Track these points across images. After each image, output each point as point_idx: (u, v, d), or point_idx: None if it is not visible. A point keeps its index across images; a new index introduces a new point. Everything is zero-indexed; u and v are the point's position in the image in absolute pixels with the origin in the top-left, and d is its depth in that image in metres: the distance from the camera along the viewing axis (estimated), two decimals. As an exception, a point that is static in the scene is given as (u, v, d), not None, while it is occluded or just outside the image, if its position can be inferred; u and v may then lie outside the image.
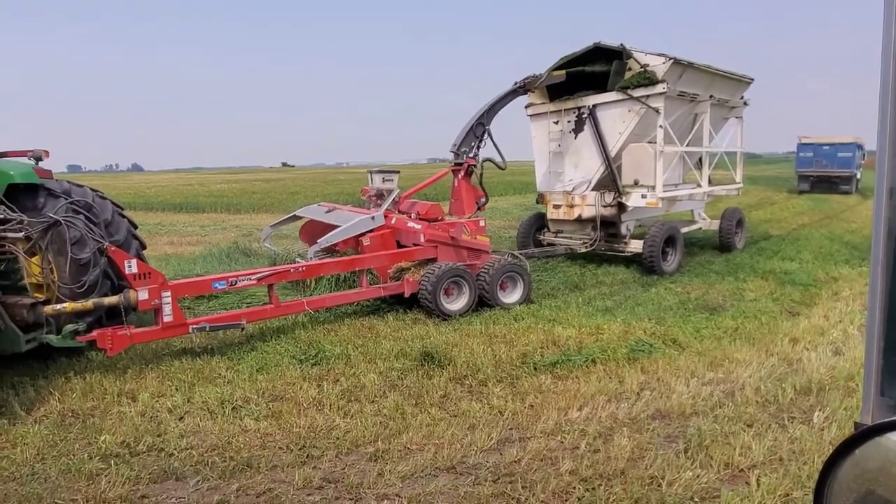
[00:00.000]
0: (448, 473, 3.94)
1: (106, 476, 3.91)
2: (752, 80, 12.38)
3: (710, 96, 11.11)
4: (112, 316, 6.00)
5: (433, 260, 8.08)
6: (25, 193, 5.90)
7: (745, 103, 12.57)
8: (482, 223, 8.67)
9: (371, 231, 8.24)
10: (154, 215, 25.02)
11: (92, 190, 6.63)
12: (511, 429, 4.56)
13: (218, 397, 5.10)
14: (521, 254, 9.69)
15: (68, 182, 6.51)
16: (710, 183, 12.27)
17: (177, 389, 5.34)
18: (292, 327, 7.17)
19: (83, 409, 4.99)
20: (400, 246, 8.32)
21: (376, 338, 6.79)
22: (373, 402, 5.08)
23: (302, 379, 5.54)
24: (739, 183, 12.98)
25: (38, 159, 6.19)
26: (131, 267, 5.80)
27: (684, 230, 11.71)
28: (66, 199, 5.96)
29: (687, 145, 11.02)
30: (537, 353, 6.18)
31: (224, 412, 4.87)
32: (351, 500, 3.68)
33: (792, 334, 6.63)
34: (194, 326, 6.17)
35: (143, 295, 5.82)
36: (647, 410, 4.79)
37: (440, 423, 4.65)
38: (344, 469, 4.02)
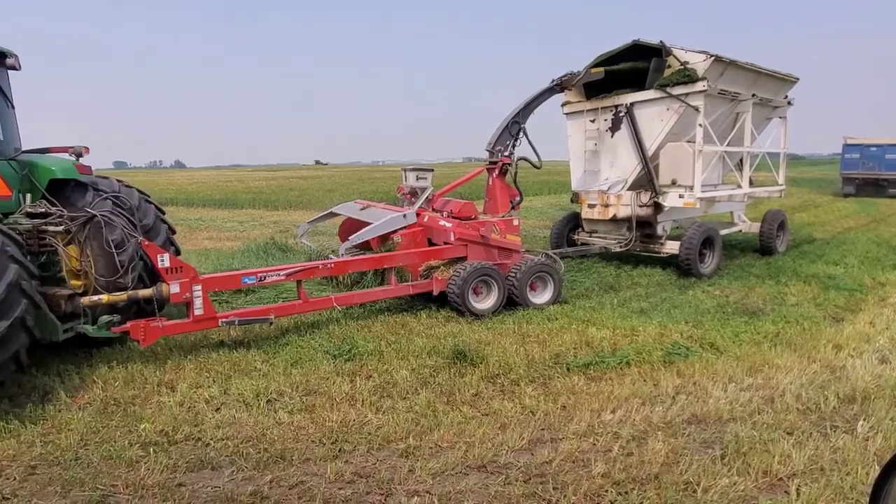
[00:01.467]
0: (479, 472, 3.94)
1: (145, 463, 4.02)
2: (798, 79, 12.03)
3: (753, 95, 10.83)
4: (153, 308, 6.14)
5: (463, 259, 8.07)
6: (66, 188, 6.12)
7: (789, 103, 12.22)
8: (516, 222, 8.61)
9: (403, 229, 8.26)
10: (195, 211, 25.62)
11: (118, 181, 6.81)
12: (543, 429, 4.52)
13: (253, 390, 5.19)
14: (554, 254, 9.60)
15: (95, 176, 6.73)
16: (752, 184, 11.97)
17: (214, 381, 5.46)
18: (326, 323, 7.25)
19: (125, 397, 5.14)
20: (432, 244, 8.32)
21: (409, 335, 6.82)
22: (405, 398, 5.10)
23: (335, 374, 5.60)
24: (782, 185, 12.61)
25: (79, 155, 6.40)
26: (164, 261, 5.92)
27: (723, 232, 11.45)
28: (104, 195, 6.15)
29: (727, 145, 10.78)
30: (570, 353, 6.12)
31: (259, 404, 4.96)
32: (381, 495, 3.70)
33: (835, 340, 6.43)
34: (224, 320, 6.27)
35: (174, 288, 5.95)
36: (682, 415, 4.71)
37: (471, 421, 4.65)
38: (375, 464, 4.05)
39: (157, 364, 5.85)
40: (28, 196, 5.95)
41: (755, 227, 12.18)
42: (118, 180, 6.83)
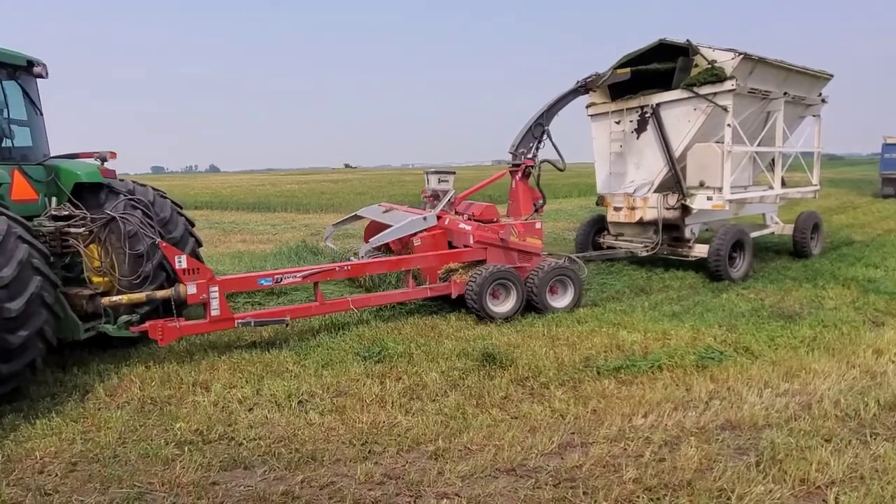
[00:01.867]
0: (508, 475, 3.93)
1: (180, 462, 4.11)
2: (832, 76, 11.67)
3: (784, 93, 10.56)
4: (168, 308, 6.27)
5: (483, 262, 8.00)
6: (91, 192, 6.33)
7: (823, 101, 11.88)
8: (538, 225, 8.51)
9: (423, 231, 8.25)
10: (229, 214, 26.10)
11: (154, 189, 6.99)
12: (573, 433, 4.49)
13: (285, 390, 5.26)
14: (579, 257, 9.49)
15: (133, 182, 6.93)
16: (784, 185, 11.68)
17: (247, 381, 5.55)
18: (357, 325, 7.31)
19: (161, 396, 5.26)
20: (452, 247, 8.29)
21: (439, 337, 6.84)
22: (434, 400, 5.12)
23: (365, 375, 5.64)
24: (816, 185, 12.25)
25: (104, 160, 6.62)
26: (181, 262, 6.03)
27: (755, 234, 11.19)
28: (125, 197, 6.33)
29: (758, 145, 10.53)
30: (601, 357, 6.07)
31: (291, 405, 5.03)
32: (411, 496, 3.72)
33: (876, 345, 6.24)
34: (240, 321, 6.35)
35: (191, 289, 6.04)
36: (716, 420, 4.63)
37: (501, 424, 4.64)
38: (405, 466, 4.07)
39: (192, 364, 5.97)
40: (54, 199, 6.15)
41: (788, 230, 11.88)
42: (154, 189, 7.01)
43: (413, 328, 7.21)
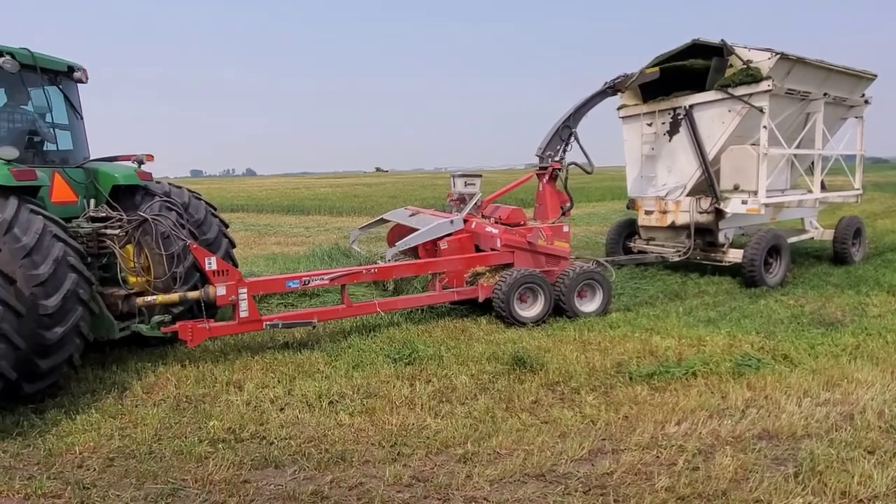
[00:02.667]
0: (537, 480, 3.89)
1: (213, 460, 4.18)
2: (875, 76, 11.26)
3: (824, 94, 10.23)
4: (201, 309, 6.36)
5: (510, 265, 7.94)
6: (128, 194, 6.51)
7: (866, 102, 11.49)
8: (566, 229, 8.43)
9: (449, 235, 8.21)
10: (264, 216, 26.54)
11: (189, 191, 7.14)
12: (604, 439, 4.43)
13: (316, 391, 5.31)
14: (608, 261, 9.35)
15: (169, 184, 7.10)
16: (825, 189, 11.32)
17: (279, 382, 5.62)
18: (387, 327, 7.35)
19: (196, 395, 5.36)
20: (479, 251, 8.24)
21: (469, 340, 6.82)
22: (463, 403, 5.10)
23: (395, 377, 5.66)
24: (858, 189, 11.86)
25: (140, 163, 6.79)
26: (211, 264, 6.10)
27: (793, 239, 10.88)
28: (160, 199, 6.48)
29: (796, 148, 10.21)
30: (633, 362, 5.97)
31: (321, 406, 5.07)
32: (439, 499, 3.71)
33: (923, 355, 6.01)
34: (268, 323, 6.42)
35: (220, 291, 6.13)
36: (752, 429, 4.51)
37: (530, 428, 4.60)
38: (433, 468, 4.07)
39: (226, 364, 6.08)
40: (92, 202, 6.33)
41: (828, 235, 11.50)
42: (189, 191, 7.16)
43: (443, 331, 7.21)
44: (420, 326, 7.39)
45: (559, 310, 7.74)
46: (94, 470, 4.11)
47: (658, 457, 4.14)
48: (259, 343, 6.80)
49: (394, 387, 5.42)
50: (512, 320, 7.39)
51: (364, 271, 7.30)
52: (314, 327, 6.90)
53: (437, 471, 4.02)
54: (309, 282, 6.87)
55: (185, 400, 5.29)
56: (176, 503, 3.70)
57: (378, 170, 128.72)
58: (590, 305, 7.95)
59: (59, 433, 4.62)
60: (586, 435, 4.46)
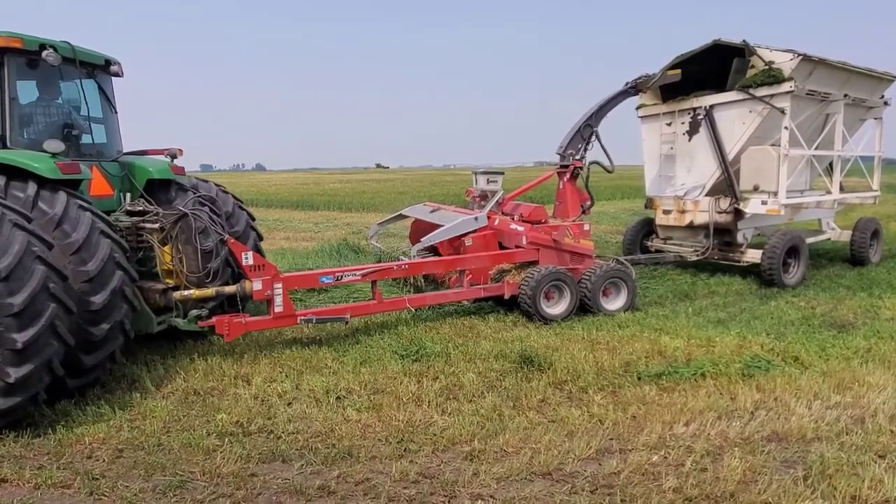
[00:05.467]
0: (544, 479, 3.88)
1: (221, 453, 4.20)
2: (895, 77, 11.22)
3: (845, 95, 10.18)
4: (232, 304, 6.41)
5: (535, 263, 7.98)
6: (161, 188, 6.49)
7: (885, 103, 11.43)
8: (586, 227, 8.47)
9: (474, 232, 8.26)
10: (273, 212, 26.63)
11: (216, 185, 7.15)
12: (611, 439, 4.41)
13: (323, 386, 5.32)
14: (626, 260, 9.32)
15: (196, 178, 7.10)
16: (842, 190, 11.25)
17: (287, 376, 5.64)
18: (395, 323, 7.35)
19: (204, 388, 5.39)
20: (502, 248, 8.28)
21: (476, 338, 6.81)
22: (471, 401, 5.10)
23: (403, 374, 5.66)
24: (876, 190, 11.78)
25: (174, 157, 6.79)
26: (248, 259, 6.14)
27: (810, 240, 10.80)
28: (195, 194, 6.48)
29: (816, 149, 10.17)
30: (642, 362, 5.94)
31: (329, 401, 5.08)
32: (445, 496, 3.71)
33: (937, 359, 5.95)
34: (303, 318, 6.45)
35: (257, 285, 6.15)
36: (761, 431, 4.47)
37: (537, 427, 4.59)
38: (440, 465, 4.07)
39: (234, 358, 6.10)
40: (128, 195, 6.34)
41: (845, 236, 11.44)
42: (216, 184, 7.19)
43: (451, 328, 7.20)
44: (428, 323, 7.39)
45: (582, 308, 7.76)
46: (104, 461, 4.14)
47: (666, 457, 4.11)
48: (267, 338, 6.82)
49: (401, 383, 5.42)
50: (538, 317, 7.42)
51: (395, 267, 7.35)
52: (347, 322, 6.92)
53: (444, 468, 4.02)
54: (342, 277, 6.92)
55: (193, 393, 5.31)
56: (184, 495, 3.72)
57: (378, 166, 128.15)
58: (615, 303, 7.99)
59: (68, 424, 4.65)
60: (594, 434, 4.45)
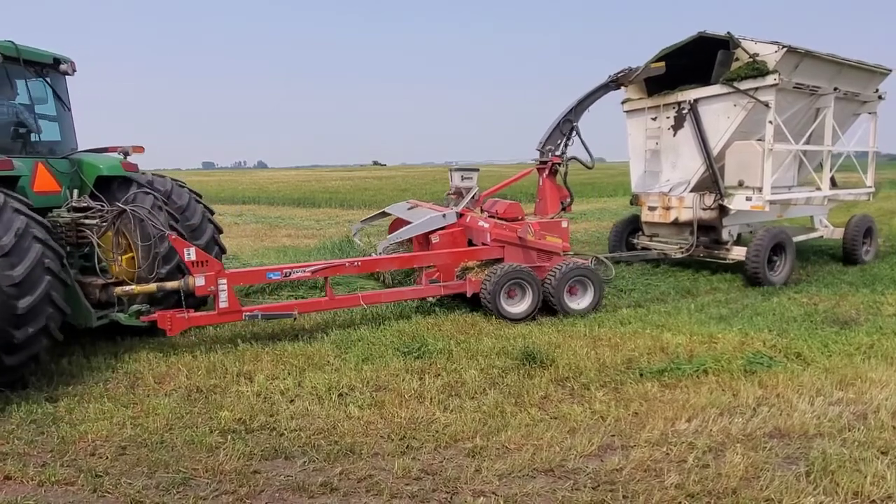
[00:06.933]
0: (546, 476, 3.88)
1: (223, 450, 4.21)
2: (889, 70, 10.95)
3: (835, 89, 9.94)
4: (180, 299, 6.39)
5: (500, 260, 7.82)
6: (113, 185, 6.58)
7: (879, 97, 11.19)
8: (564, 224, 8.31)
9: (442, 229, 8.16)
10: (275, 209, 26.66)
11: (173, 180, 7.21)
12: (613, 435, 4.41)
13: (326, 383, 5.33)
14: (607, 257, 9.25)
15: (153, 174, 7.17)
16: (836, 186, 11.09)
17: (289, 374, 5.64)
18: (397, 320, 7.35)
19: (207, 385, 5.40)
20: (472, 245, 8.16)
21: (478, 335, 6.82)
22: (473, 398, 5.10)
23: (405, 371, 5.67)
24: (870, 187, 11.57)
25: (126, 154, 6.85)
26: (190, 254, 6.15)
27: (801, 237, 10.70)
28: (137, 190, 6.54)
29: (804, 143, 9.94)
30: (644, 359, 5.94)
31: (331, 398, 5.09)
32: (447, 493, 3.71)
33: (939, 355, 5.94)
34: (248, 314, 6.45)
35: (199, 281, 6.17)
36: (763, 427, 4.47)
37: (539, 423, 4.59)
38: (442, 462, 4.07)
39: (236, 355, 6.11)
40: (76, 192, 6.40)
41: (838, 234, 11.23)
42: (173, 180, 7.23)
43: (453, 325, 7.21)
44: (430, 320, 7.39)
45: (550, 307, 7.63)
46: (107, 458, 4.15)
47: (668, 454, 4.12)
48: (269, 335, 6.84)
49: (403, 380, 5.43)
50: (499, 316, 7.33)
51: (347, 264, 7.26)
52: (295, 319, 6.91)
53: (446, 464, 4.03)
54: (290, 273, 6.86)
55: (196, 390, 5.32)
56: (187, 492, 3.73)
57: (376, 163, 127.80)
58: (580, 303, 7.81)
59: (72, 421, 4.67)
60: (596, 431, 4.45)
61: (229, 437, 4.42)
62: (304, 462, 4.08)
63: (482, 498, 3.63)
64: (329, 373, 5.63)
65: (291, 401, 5.07)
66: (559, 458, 4.05)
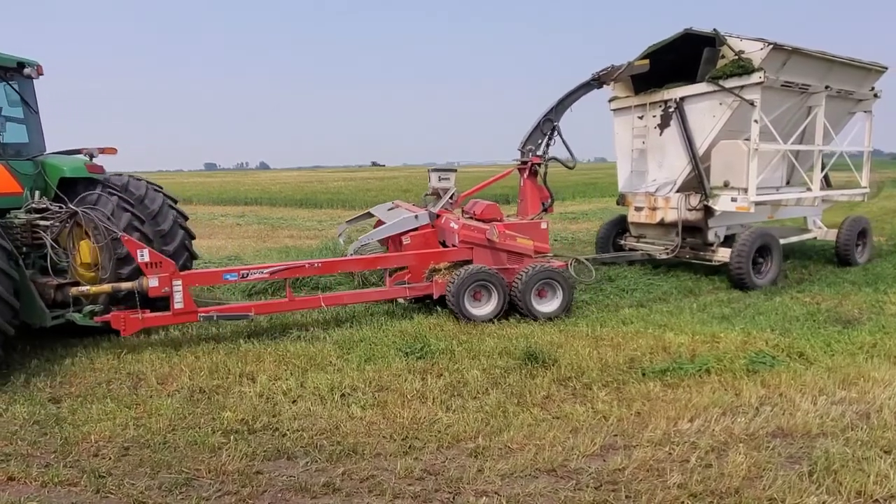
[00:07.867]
0: (548, 476, 3.88)
1: (226, 450, 4.21)
2: (885, 68, 10.70)
3: (826, 87, 9.74)
4: (153, 300, 6.41)
5: (469, 262, 7.70)
6: (78, 186, 6.63)
7: (875, 95, 10.95)
8: (543, 225, 8.17)
9: (414, 230, 8.09)
10: (278, 210, 26.69)
11: (149, 184, 7.23)
12: (616, 435, 4.41)
13: (328, 384, 5.34)
14: (589, 259, 9.13)
15: (129, 176, 7.18)
16: (830, 186, 10.91)
17: (291, 374, 5.65)
18: (399, 321, 7.36)
19: (209, 386, 5.41)
20: (446, 247, 8.08)
21: (481, 335, 6.81)
22: (475, 398, 5.10)
23: (407, 371, 5.67)
24: (865, 187, 11.34)
25: (92, 156, 6.91)
26: (143, 256, 6.16)
27: (793, 239, 10.57)
28: (99, 192, 6.58)
29: (795, 143, 9.76)
30: (646, 358, 5.94)
31: (333, 398, 5.10)
32: (450, 493, 3.71)
33: (942, 354, 5.92)
34: (203, 315, 6.46)
35: (153, 282, 6.19)
36: (766, 427, 4.47)
37: (542, 423, 4.59)
38: (444, 462, 4.07)
39: (239, 355, 6.12)
40: (38, 193, 6.46)
41: (832, 235, 11.02)
42: (150, 183, 7.24)
43: (455, 325, 7.20)
44: (432, 320, 7.39)
45: (515, 310, 7.49)
46: (110, 459, 4.16)
47: (670, 453, 4.11)
48: (271, 335, 6.84)
49: (405, 380, 5.43)
50: (463, 318, 7.23)
51: (307, 265, 7.18)
52: (251, 320, 6.91)
53: (449, 464, 4.03)
54: (248, 275, 6.83)
55: (198, 391, 5.33)
56: (189, 493, 3.73)
57: (374, 164, 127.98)
58: (549, 306, 7.56)
59: (75, 422, 4.68)
60: (598, 430, 4.45)
61: (232, 437, 4.43)
62: (307, 462, 4.09)
63: (485, 498, 3.63)
64: (331, 373, 5.63)
65: (294, 401, 5.08)
66: (562, 458, 4.05)
